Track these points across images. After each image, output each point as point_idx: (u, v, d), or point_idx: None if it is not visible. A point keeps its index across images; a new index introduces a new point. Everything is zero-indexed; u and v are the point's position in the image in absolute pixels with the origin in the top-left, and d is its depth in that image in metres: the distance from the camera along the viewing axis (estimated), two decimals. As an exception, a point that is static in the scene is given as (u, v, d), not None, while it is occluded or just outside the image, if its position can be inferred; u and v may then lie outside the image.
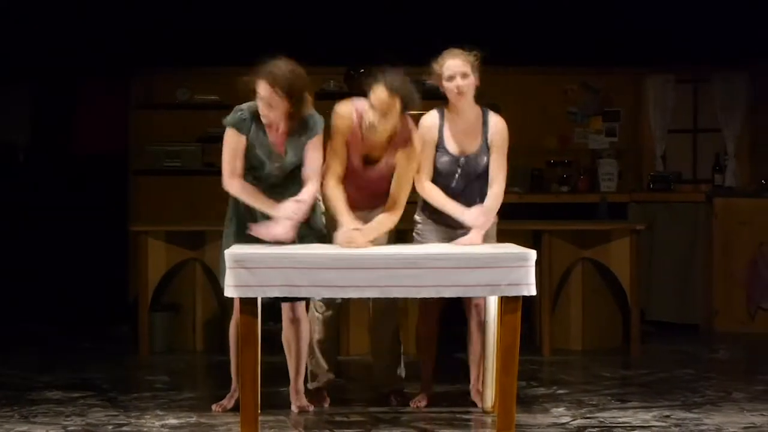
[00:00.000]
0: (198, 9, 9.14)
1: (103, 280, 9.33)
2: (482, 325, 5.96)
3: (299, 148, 5.69)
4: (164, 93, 9.61)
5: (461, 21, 9.20)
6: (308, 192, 5.61)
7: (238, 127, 5.70)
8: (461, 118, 5.99)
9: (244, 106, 5.77)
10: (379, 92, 5.69)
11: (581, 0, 9.16)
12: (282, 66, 5.63)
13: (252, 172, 5.71)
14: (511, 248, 5.46)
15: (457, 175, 5.91)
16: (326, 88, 9.59)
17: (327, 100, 9.49)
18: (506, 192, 9.33)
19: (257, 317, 5.20)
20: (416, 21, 9.16)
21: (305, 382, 6.06)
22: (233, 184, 5.66)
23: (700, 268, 8.95)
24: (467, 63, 5.94)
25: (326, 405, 6.06)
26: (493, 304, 5.68)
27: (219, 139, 9.62)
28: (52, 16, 9.07)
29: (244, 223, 5.67)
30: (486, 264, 5.16)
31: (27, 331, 8.68)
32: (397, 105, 5.70)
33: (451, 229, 5.86)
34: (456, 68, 5.93)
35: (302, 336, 5.89)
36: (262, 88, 5.60)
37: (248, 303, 5.15)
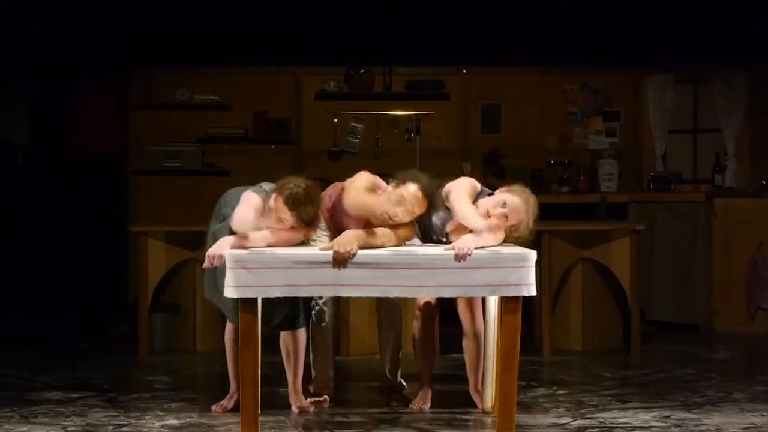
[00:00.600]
0: (198, 9, 9.14)
1: (103, 280, 9.33)
2: (476, 335, 6.01)
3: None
4: (164, 93, 9.61)
5: (461, 21, 9.21)
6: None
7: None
8: None
9: (266, 186, 5.68)
10: (415, 191, 5.50)
11: (581, 0, 9.16)
12: (304, 185, 5.46)
13: None
14: (511, 248, 5.46)
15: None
16: (326, 88, 9.59)
17: (327, 100, 9.62)
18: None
19: (257, 317, 5.20)
20: (416, 21, 9.16)
21: (306, 382, 6.07)
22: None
23: (700, 269, 8.95)
24: (524, 213, 5.69)
25: (326, 406, 6.06)
26: (493, 305, 5.68)
27: (219, 140, 9.69)
28: (52, 16, 9.06)
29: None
30: (486, 264, 5.15)
31: (27, 331, 8.68)
32: (423, 208, 5.58)
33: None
34: (513, 210, 5.66)
35: (299, 339, 5.92)
36: (280, 210, 5.46)
37: (248, 303, 5.15)
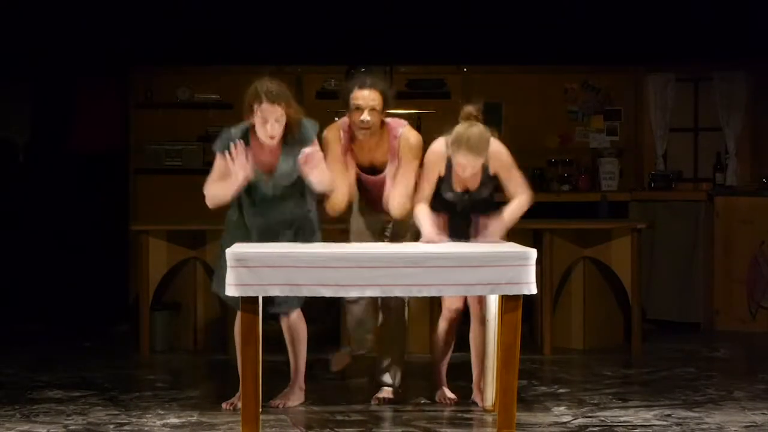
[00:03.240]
0: (198, 8, 9.13)
1: (104, 279, 9.33)
2: (483, 320, 6.00)
3: (293, 158, 5.70)
4: (165, 92, 9.60)
5: (461, 21, 9.21)
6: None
7: (224, 149, 5.71)
8: None
9: (231, 129, 5.83)
10: (359, 92, 5.89)
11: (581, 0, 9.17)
12: (268, 82, 5.73)
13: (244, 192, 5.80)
14: (511, 247, 5.46)
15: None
16: (327, 87, 9.59)
17: (327, 100, 9.61)
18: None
19: (258, 316, 5.20)
20: (416, 21, 9.16)
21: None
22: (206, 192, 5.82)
23: (701, 267, 8.94)
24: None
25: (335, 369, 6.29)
26: (493, 303, 5.68)
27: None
28: (52, 14, 9.06)
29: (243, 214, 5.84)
30: (486, 263, 5.15)
31: (28, 330, 8.68)
32: (378, 98, 5.89)
33: None
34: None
35: (298, 337, 5.95)
36: (267, 107, 5.59)
37: (249, 302, 5.15)
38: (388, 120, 6.04)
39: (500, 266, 5.15)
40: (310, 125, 5.81)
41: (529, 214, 8.58)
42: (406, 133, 6.04)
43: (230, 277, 5.11)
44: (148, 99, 9.60)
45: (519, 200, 6.01)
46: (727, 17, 8.95)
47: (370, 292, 5.23)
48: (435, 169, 5.95)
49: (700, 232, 8.97)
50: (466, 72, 9.67)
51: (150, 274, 7.80)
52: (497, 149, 6.04)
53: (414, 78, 9.66)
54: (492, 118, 9.60)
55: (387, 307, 6.17)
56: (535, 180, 9.56)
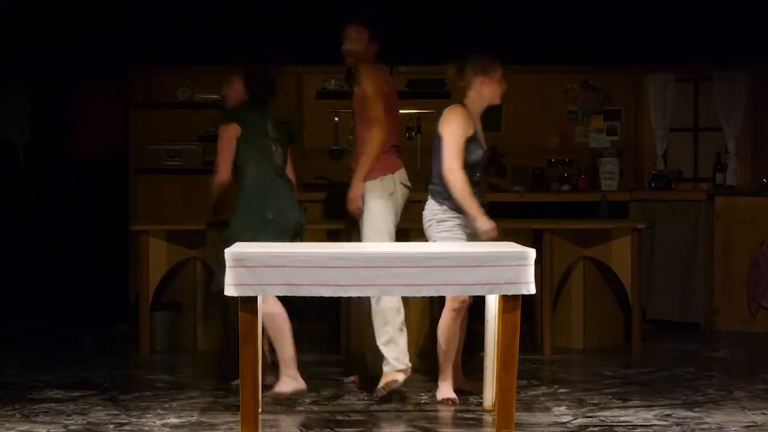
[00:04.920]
0: (198, 8, 9.13)
1: (104, 279, 9.33)
2: (457, 313, 6.13)
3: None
4: (165, 92, 9.60)
5: (461, 21, 9.20)
6: None
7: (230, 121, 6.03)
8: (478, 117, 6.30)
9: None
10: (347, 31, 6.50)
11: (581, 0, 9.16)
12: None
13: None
14: (510, 247, 5.46)
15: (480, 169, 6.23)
16: (327, 86, 9.59)
17: (327, 99, 9.61)
18: (508, 190, 9.38)
19: (257, 316, 5.20)
20: (416, 21, 9.16)
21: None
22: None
23: (701, 267, 8.94)
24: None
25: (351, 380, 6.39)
26: (493, 303, 5.69)
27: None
28: (52, 15, 9.06)
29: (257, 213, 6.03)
30: (485, 263, 5.15)
31: (28, 330, 8.68)
32: (356, 34, 6.46)
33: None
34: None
35: (274, 325, 6.05)
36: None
37: (248, 302, 5.15)
38: None
39: (499, 266, 5.14)
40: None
41: (529, 214, 8.65)
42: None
43: (229, 277, 5.11)
44: (148, 99, 9.61)
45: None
46: (727, 17, 8.95)
47: (369, 292, 5.24)
48: (466, 131, 6.10)
49: (700, 232, 8.96)
50: (466, 72, 9.64)
51: (150, 274, 7.80)
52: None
53: (414, 78, 9.66)
54: (492, 118, 9.70)
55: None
56: (536, 180, 9.58)
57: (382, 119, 6.28)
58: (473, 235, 6.06)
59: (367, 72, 6.35)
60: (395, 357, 6.17)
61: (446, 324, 6.12)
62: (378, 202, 6.30)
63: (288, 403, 6.04)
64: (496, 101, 6.27)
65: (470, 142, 6.10)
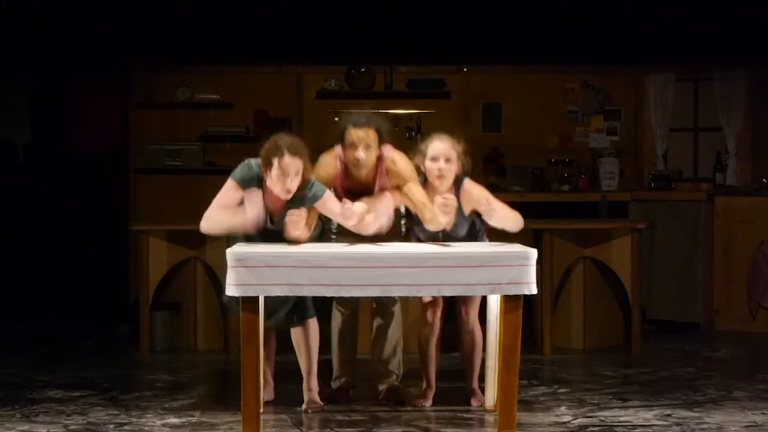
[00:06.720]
0: (198, 8, 9.13)
1: (104, 279, 9.33)
2: (471, 334, 6.08)
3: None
4: (165, 92, 9.60)
5: (461, 20, 9.21)
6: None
7: (243, 183, 5.69)
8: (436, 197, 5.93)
9: (254, 162, 5.74)
10: (354, 131, 5.87)
11: (582, -1, 9.18)
12: (286, 136, 5.70)
13: None
14: (512, 247, 5.46)
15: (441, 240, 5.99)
16: (327, 87, 9.59)
17: (327, 99, 9.61)
18: (508, 190, 9.36)
19: (258, 316, 5.21)
20: (416, 20, 9.16)
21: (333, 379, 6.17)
22: (205, 218, 5.73)
23: (701, 267, 8.94)
24: (453, 149, 5.94)
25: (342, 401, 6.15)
26: (494, 303, 5.68)
27: (220, 139, 9.69)
28: (52, 14, 9.06)
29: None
30: (487, 263, 5.15)
31: (28, 330, 8.68)
32: (373, 135, 5.87)
33: None
34: (441, 151, 5.92)
35: (310, 335, 5.91)
36: (288, 160, 5.57)
37: (249, 302, 5.15)
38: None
39: (501, 266, 5.14)
40: (318, 185, 5.76)
41: (529, 214, 8.63)
42: (390, 154, 5.98)
43: (230, 278, 5.12)
44: (148, 99, 9.61)
45: (501, 210, 5.86)
46: (727, 17, 8.95)
47: (370, 292, 5.24)
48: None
49: (700, 232, 8.97)
50: (466, 72, 9.66)
51: (150, 274, 7.80)
52: (470, 185, 5.99)
53: (414, 78, 9.66)
54: (492, 118, 9.71)
55: (383, 306, 6.19)
56: (535, 180, 9.58)
57: None
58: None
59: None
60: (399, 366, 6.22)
61: (421, 326, 6.11)
62: None
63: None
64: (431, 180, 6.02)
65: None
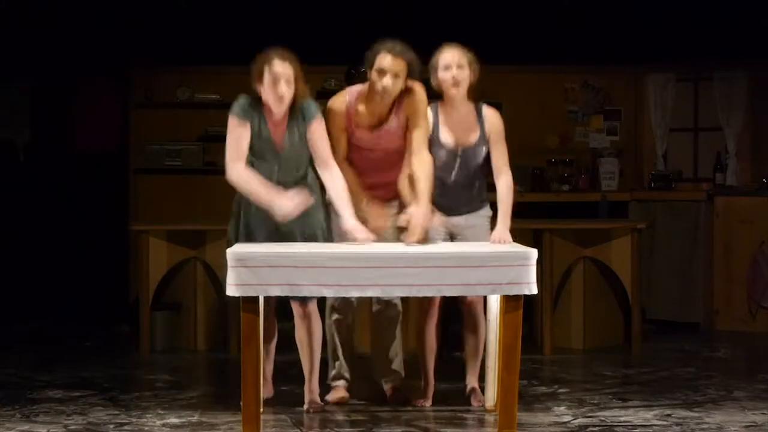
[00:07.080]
0: (198, 8, 9.13)
1: (104, 279, 9.33)
2: (475, 327, 6.05)
3: (298, 140, 5.70)
4: (164, 92, 9.60)
5: (461, 20, 9.20)
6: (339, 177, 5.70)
7: (244, 113, 5.70)
8: (456, 111, 6.01)
9: (244, 95, 5.81)
10: (387, 57, 5.81)
11: (582, -1, 9.18)
12: (282, 49, 5.74)
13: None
14: (512, 247, 5.46)
15: (456, 167, 5.92)
16: (327, 86, 9.58)
17: (327, 99, 9.58)
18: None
19: (258, 316, 5.21)
20: (416, 20, 9.15)
21: (331, 379, 6.15)
22: (235, 168, 5.64)
23: (701, 267, 8.94)
24: (464, 56, 5.97)
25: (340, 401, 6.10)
26: (494, 303, 5.68)
27: (220, 138, 9.64)
28: (52, 14, 9.06)
29: (246, 221, 5.71)
30: (487, 263, 5.15)
31: (27, 330, 8.68)
32: (404, 66, 5.80)
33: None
34: (452, 59, 5.96)
35: (314, 333, 5.89)
36: (278, 65, 5.61)
37: (249, 302, 5.15)
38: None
39: (501, 266, 5.14)
40: (313, 104, 5.76)
41: (529, 214, 8.65)
42: (418, 88, 5.91)
43: (230, 277, 5.11)
44: (148, 99, 9.61)
45: (507, 177, 5.97)
46: (727, 17, 8.95)
47: (370, 292, 5.23)
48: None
49: (700, 232, 8.97)
50: (466, 72, 9.64)
51: (150, 274, 7.80)
52: (497, 117, 6.06)
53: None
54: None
55: (384, 305, 6.18)
56: (535, 180, 9.58)
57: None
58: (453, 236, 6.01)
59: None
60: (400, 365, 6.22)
61: (419, 325, 6.12)
62: None
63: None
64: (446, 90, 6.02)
65: (432, 142, 5.95)
